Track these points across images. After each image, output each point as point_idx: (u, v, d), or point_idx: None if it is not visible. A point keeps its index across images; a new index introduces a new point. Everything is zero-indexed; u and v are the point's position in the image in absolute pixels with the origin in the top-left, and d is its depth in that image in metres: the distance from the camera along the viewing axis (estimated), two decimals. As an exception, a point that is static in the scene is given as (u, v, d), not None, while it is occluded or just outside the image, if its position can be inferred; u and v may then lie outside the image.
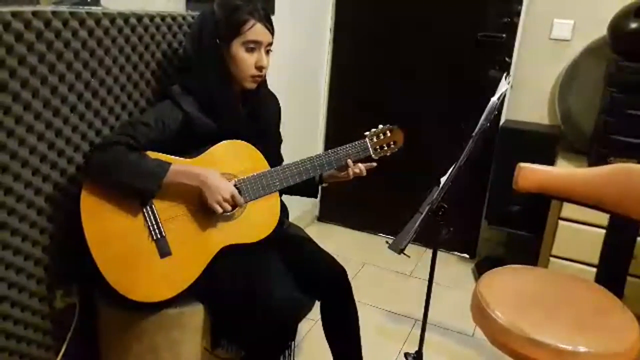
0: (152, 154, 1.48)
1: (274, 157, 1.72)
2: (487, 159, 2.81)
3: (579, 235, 2.34)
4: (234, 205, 1.52)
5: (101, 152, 1.43)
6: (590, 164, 2.35)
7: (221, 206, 1.48)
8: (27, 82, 1.37)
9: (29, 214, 1.45)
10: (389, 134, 1.71)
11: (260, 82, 1.64)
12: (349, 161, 1.66)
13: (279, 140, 1.85)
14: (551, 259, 2.43)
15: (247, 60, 1.56)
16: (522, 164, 1.80)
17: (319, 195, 1.85)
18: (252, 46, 1.55)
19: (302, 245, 1.77)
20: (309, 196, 1.85)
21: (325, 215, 3.52)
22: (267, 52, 1.60)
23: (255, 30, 1.54)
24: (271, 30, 1.58)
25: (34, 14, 1.35)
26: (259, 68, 1.58)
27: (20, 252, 1.45)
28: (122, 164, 1.42)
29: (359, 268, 2.91)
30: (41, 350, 1.58)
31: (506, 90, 1.56)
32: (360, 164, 1.69)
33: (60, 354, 1.61)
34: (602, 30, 2.39)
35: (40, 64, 1.39)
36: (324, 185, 1.80)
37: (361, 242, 3.28)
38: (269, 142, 1.72)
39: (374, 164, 1.71)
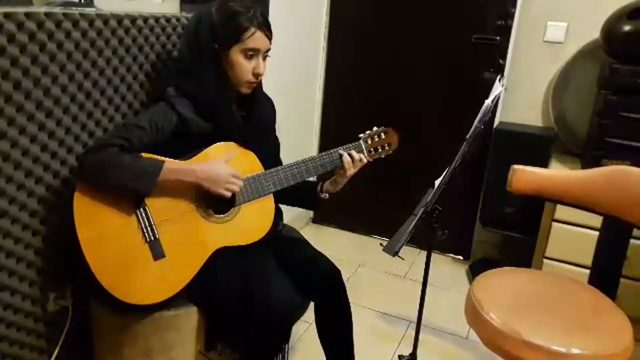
0: (146, 155, 1.48)
1: (271, 159, 1.71)
2: (482, 160, 2.82)
3: (572, 237, 2.35)
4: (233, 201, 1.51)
5: (94, 154, 1.42)
6: (584, 166, 2.36)
7: (229, 189, 1.49)
8: (20, 83, 1.36)
9: (21, 216, 1.44)
10: (383, 136, 1.71)
11: (256, 86, 1.64)
12: (345, 155, 1.64)
13: (275, 142, 1.84)
14: (545, 260, 2.44)
15: (245, 67, 1.55)
16: (516, 166, 1.80)
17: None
18: (251, 53, 1.55)
19: (296, 247, 1.76)
20: (308, 208, 1.84)
21: (319, 217, 3.51)
22: (265, 58, 1.60)
23: (255, 38, 1.53)
24: (270, 36, 1.58)
25: (27, 15, 1.34)
26: (256, 75, 1.58)
27: (13, 255, 1.44)
28: (116, 165, 1.41)
29: (354, 270, 2.91)
30: (34, 353, 1.57)
31: (500, 92, 1.56)
32: (353, 152, 1.66)
33: (53, 356, 1.60)
34: (595, 33, 2.40)
35: (33, 66, 1.39)
36: (323, 196, 1.75)
37: (356, 244, 3.28)
38: (265, 145, 1.71)
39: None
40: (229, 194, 1.50)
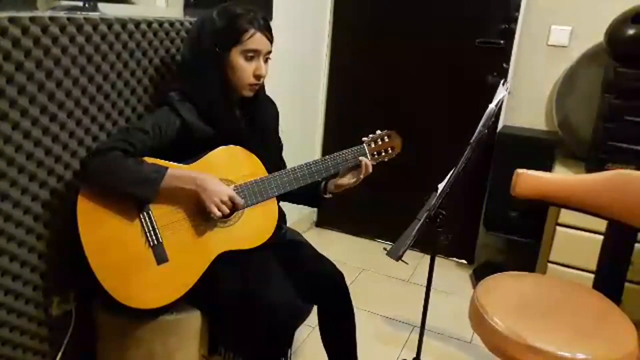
0: (149, 160, 1.48)
1: (275, 162, 1.71)
2: (485, 165, 2.81)
3: (576, 241, 2.34)
4: (233, 208, 1.51)
5: (98, 157, 1.42)
6: (588, 170, 2.35)
7: (219, 209, 1.47)
8: (24, 88, 1.36)
9: (25, 220, 1.45)
10: (386, 140, 1.71)
11: (259, 88, 1.64)
12: (366, 160, 1.64)
13: (279, 145, 1.84)
14: (549, 265, 2.43)
15: (246, 69, 1.56)
16: (520, 170, 1.80)
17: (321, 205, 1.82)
18: (252, 55, 1.55)
19: (300, 250, 1.76)
20: (311, 206, 1.84)
21: (323, 221, 3.51)
22: (266, 60, 1.60)
23: (255, 40, 1.54)
24: (270, 39, 1.58)
25: (32, 19, 1.35)
26: (257, 77, 1.58)
27: (17, 259, 1.45)
28: (119, 169, 1.41)
29: (357, 274, 2.91)
30: (37, 357, 1.57)
31: (504, 96, 1.56)
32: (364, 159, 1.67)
33: (57, 360, 1.61)
34: (599, 37, 2.40)
35: (38, 70, 1.39)
36: (327, 196, 1.75)
37: (359, 247, 3.27)
38: (268, 148, 1.71)
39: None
40: (218, 214, 1.46)
